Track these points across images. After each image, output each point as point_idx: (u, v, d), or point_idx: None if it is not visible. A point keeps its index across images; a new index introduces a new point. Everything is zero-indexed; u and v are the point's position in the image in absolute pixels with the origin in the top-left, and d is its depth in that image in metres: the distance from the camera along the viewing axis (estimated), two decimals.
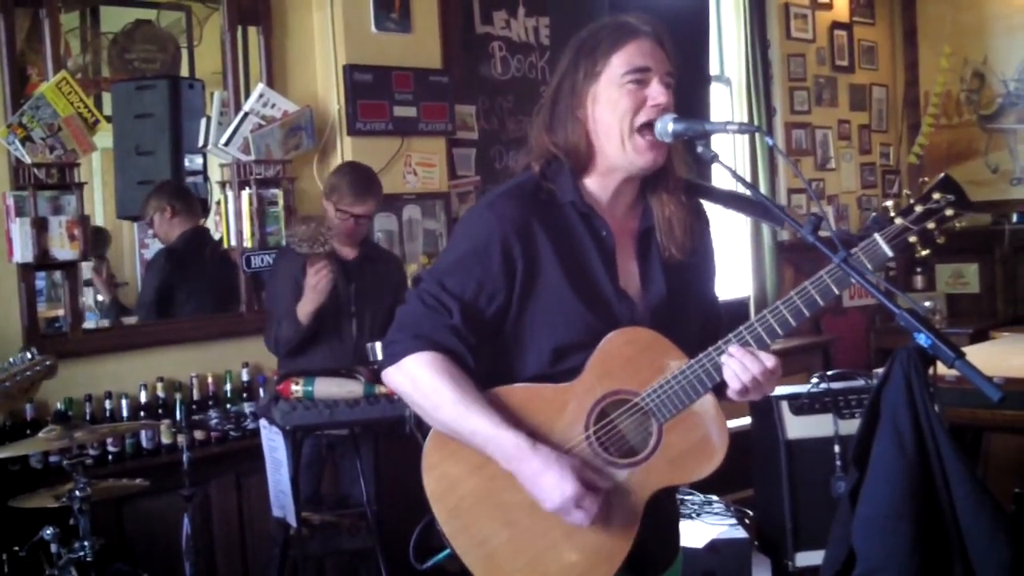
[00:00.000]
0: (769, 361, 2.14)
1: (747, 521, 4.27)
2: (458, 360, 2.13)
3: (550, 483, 2.03)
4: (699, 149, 2.18)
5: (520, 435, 2.07)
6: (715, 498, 4.44)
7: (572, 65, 2.22)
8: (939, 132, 8.32)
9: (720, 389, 2.18)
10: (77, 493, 3.32)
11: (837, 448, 4.03)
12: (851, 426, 4.06)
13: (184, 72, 5.77)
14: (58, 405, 4.25)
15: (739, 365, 2.13)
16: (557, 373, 2.17)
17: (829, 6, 7.89)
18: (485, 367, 2.17)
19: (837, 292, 2.19)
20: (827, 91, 7.88)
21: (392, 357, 2.16)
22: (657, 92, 2.16)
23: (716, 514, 4.25)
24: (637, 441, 2.17)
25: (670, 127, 2.15)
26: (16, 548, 3.35)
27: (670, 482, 2.19)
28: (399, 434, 4.12)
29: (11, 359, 2.24)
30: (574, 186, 2.21)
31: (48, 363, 2.27)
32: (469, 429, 2.09)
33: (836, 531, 2.13)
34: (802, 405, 4.12)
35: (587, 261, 2.20)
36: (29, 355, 2.26)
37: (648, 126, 2.16)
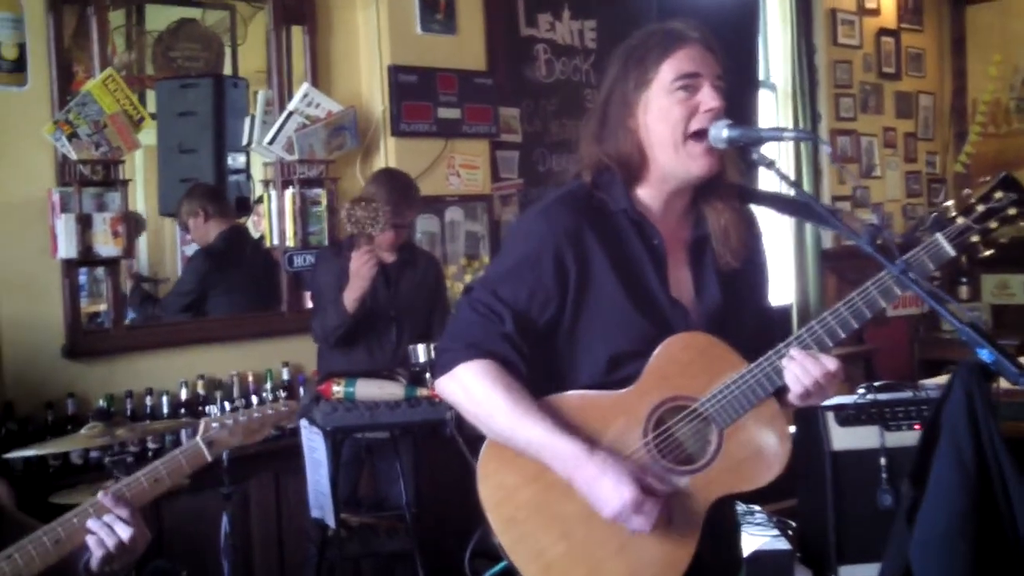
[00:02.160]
0: (831, 364, 2.11)
1: (789, 532, 4.21)
2: (511, 368, 2.11)
3: (607, 488, 2.00)
4: (754, 156, 2.16)
5: (576, 441, 2.03)
6: (757, 508, 4.39)
7: (621, 74, 2.20)
8: (986, 141, 8.20)
9: (780, 393, 2.15)
10: None
11: (883, 460, 3.97)
12: (898, 438, 4.01)
13: (227, 71, 5.79)
14: (100, 402, 4.28)
15: (800, 368, 2.10)
16: (612, 381, 2.14)
17: (876, 12, 7.80)
18: (538, 376, 2.14)
19: (899, 293, 2.15)
20: (873, 98, 7.79)
21: (444, 366, 2.14)
22: (708, 97, 2.13)
23: (758, 524, 4.20)
24: (696, 448, 2.13)
25: (724, 133, 2.12)
26: None
27: (731, 489, 2.15)
28: (439, 437, 4.10)
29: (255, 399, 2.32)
30: (626, 195, 2.18)
31: (285, 409, 2.35)
32: (524, 437, 2.06)
33: (891, 549, 2.07)
34: (848, 416, 4.06)
35: (640, 269, 2.17)
36: (271, 396, 2.33)
37: (702, 133, 2.13)
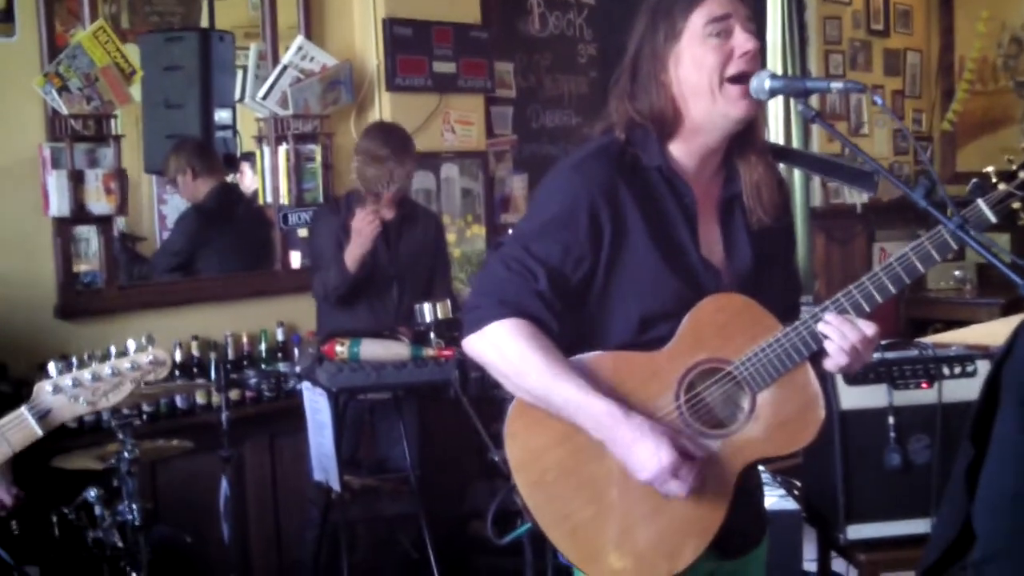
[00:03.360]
0: (869, 329, 2.08)
1: (795, 492, 4.18)
2: (543, 327, 2.05)
3: (645, 452, 1.95)
4: (799, 107, 2.10)
5: (612, 403, 1.99)
6: (760, 467, 4.35)
7: (650, 28, 2.13)
8: (974, 99, 8.16)
9: (815, 358, 2.10)
10: (126, 455, 3.23)
11: (891, 419, 3.93)
12: (906, 397, 3.97)
13: (203, 25, 5.67)
14: None
15: (837, 333, 2.06)
16: (643, 342, 2.10)
17: None
18: (568, 335, 2.09)
19: (938, 259, 2.12)
20: (862, 55, 7.74)
21: (475, 323, 2.08)
22: (743, 39, 2.07)
23: (764, 484, 4.16)
24: (727, 412, 2.10)
25: (767, 84, 2.06)
26: (65, 510, 3.27)
27: (764, 454, 2.12)
28: (441, 398, 4.05)
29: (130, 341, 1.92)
30: (661, 151, 2.12)
31: (150, 360, 1.89)
32: (559, 397, 2.01)
33: (945, 512, 2.04)
34: (856, 375, 4.01)
35: (672, 228, 2.13)
36: (133, 345, 1.90)
37: (740, 78, 2.06)
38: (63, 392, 1.83)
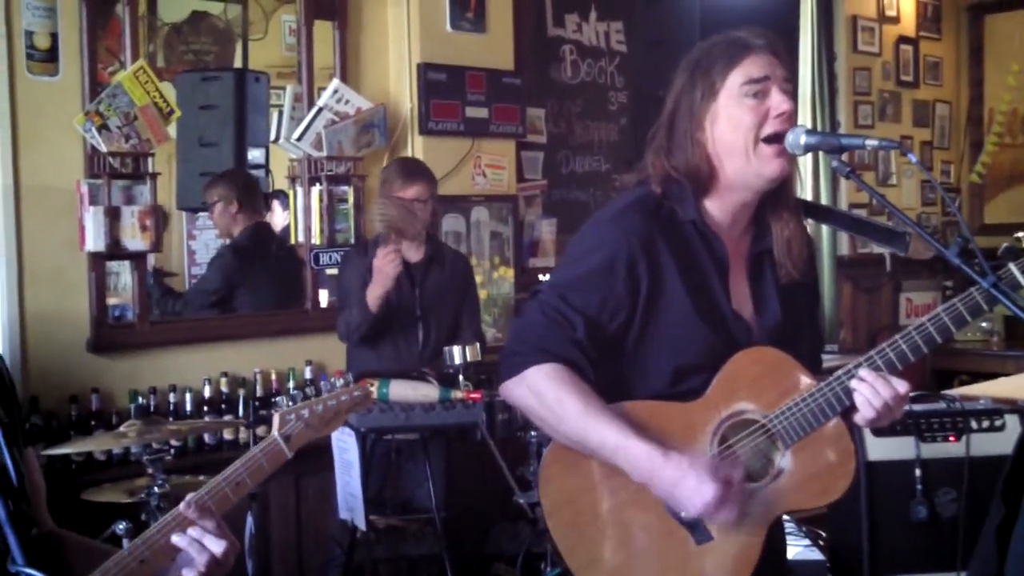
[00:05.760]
0: (901, 386, 2.11)
1: (820, 542, 4.17)
2: (580, 374, 2.08)
3: (689, 489, 1.97)
4: (834, 164, 2.12)
5: (651, 444, 2.01)
6: (786, 517, 4.34)
7: (688, 86, 2.17)
8: (1003, 151, 8.15)
9: (845, 412, 2.13)
10: (156, 489, 3.26)
11: (918, 472, 3.94)
12: (933, 450, 3.98)
13: (237, 65, 5.75)
14: (126, 398, 4.23)
15: (870, 390, 2.09)
16: (675, 394, 2.13)
17: (896, 20, 7.76)
18: (603, 385, 2.11)
19: (970, 320, 2.14)
20: (891, 106, 7.76)
21: (513, 369, 2.11)
22: (779, 101, 2.10)
23: (788, 534, 4.15)
24: (758, 465, 2.12)
25: (802, 140, 2.09)
26: None
27: (795, 506, 2.15)
28: (466, 439, 4.06)
29: (323, 382, 2.17)
30: (696, 206, 2.15)
31: (359, 393, 2.19)
32: (597, 440, 2.03)
33: (976, 567, 2.04)
34: (883, 426, 4.03)
35: (706, 281, 2.16)
36: (342, 381, 2.18)
37: (775, 137, 2.09)
38: (301, 421, 2.08)
